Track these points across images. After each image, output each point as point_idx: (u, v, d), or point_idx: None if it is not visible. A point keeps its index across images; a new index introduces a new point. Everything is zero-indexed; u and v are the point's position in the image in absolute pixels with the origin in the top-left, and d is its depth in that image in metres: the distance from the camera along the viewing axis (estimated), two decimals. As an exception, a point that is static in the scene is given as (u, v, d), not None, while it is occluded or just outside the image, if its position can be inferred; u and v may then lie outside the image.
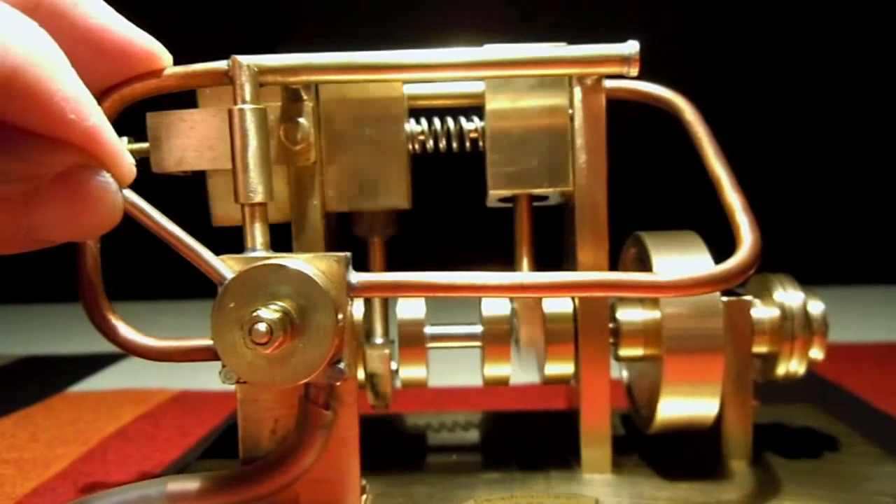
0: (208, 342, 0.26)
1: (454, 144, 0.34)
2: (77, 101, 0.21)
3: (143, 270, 1.00)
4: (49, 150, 0.21)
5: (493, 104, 0.32)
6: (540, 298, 0.34)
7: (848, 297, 0.90)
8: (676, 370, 0.32)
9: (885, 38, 1.04)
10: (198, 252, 0.25)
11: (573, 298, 0.34)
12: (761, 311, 0.34)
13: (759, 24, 1.05)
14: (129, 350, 0.28)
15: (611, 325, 0.34)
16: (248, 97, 0.27)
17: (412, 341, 0.34)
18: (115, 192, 0.22)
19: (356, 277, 0.27)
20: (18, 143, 0.20)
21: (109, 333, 0.28)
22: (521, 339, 0.35)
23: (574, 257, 0.32)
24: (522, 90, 0.32)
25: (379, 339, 0.34)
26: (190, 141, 0.30)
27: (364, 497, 0.29)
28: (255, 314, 0.24)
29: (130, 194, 0.24)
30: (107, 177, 0.21)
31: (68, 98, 0.20)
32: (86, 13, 0.23)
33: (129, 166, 0.22)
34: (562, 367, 0.34)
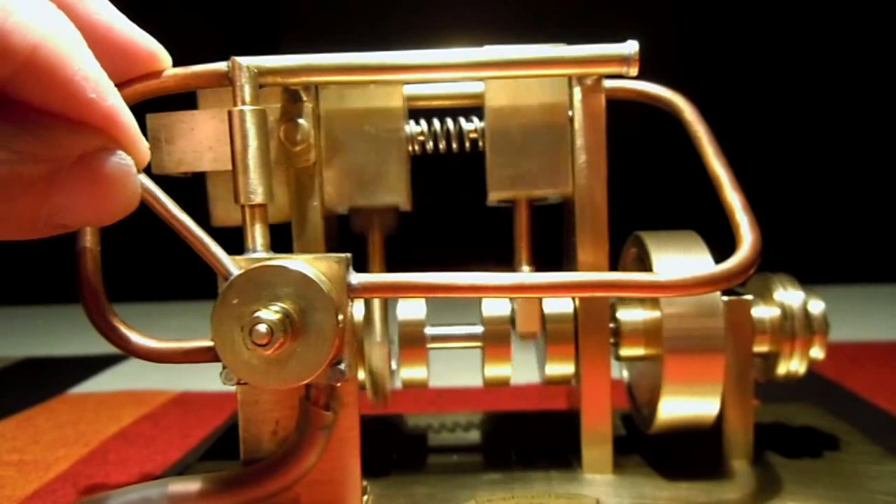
0: (209, 343, 0.26)
1: (454, 145, 0.34)
2: (97, 81, 0.21)
3: (142, 271, 1.00)
4: (69, 131, 0.21)
5: (492, 104, 0.32)
6: (540, 298, 0.34)
7: (848, 296, 0.90)
8: (677, 370, 0.32)
9: (885, 37, 1.04)
10: (206, 244, 0.25)
11: (573, 299, 0.34)
12: (762, 311, 0.34)
13: (758, 24, 1.05)
14: (131, 352, 0.28)
15: (611, 325, 0.34)
16: (247, 98, 0.27)
17: (413, 342, 0.34)
18: (135, 176, 0.22)
19: (356, 278, 0.27)
20: (40, 124, 0.20)
21: (111, 336, 0.28)
22: (517, 328, 0.34)
23: (574, 257, 0.32)
24: (522, 90, 0.32)
25: (379, 338, 0.34)
26: (190, 142, 0.30)
27: (365, 498, 0.29)
28: (255, 315, 0.24)
29: (145, 180, 0.24)
30: (126, 159, 0.22)
31: (88, 77, 0.20)
32: (90, 9, 0.23)
33: (146, 149, 0.23)
34: (562, 368, 0.34)
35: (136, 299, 0.73)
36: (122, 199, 0.22)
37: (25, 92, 0.20)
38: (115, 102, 0.21)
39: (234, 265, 0.25)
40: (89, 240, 0.28)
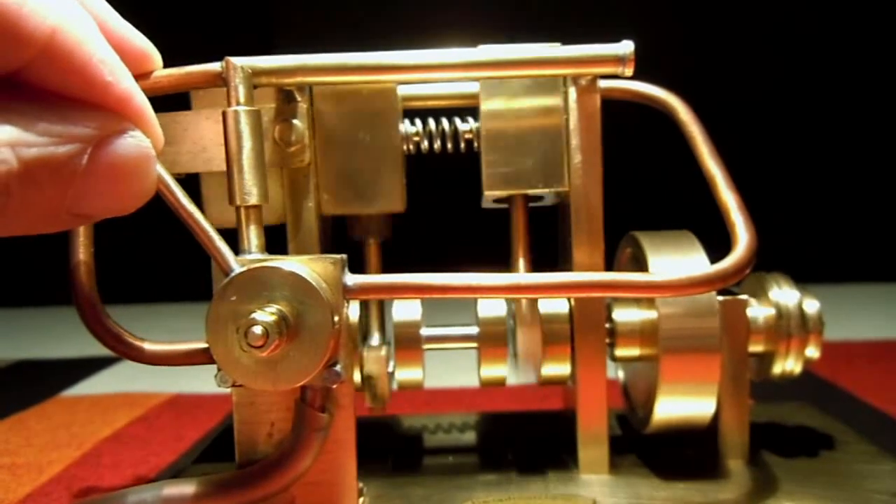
0: (204, 345, 0.26)
1: (449, 145, 0.34)
2: (112, 64, 0.21)
3: (135, 273, 1.00)
4: (87, 115, 0.20)
5: (487, 105, 0.32)
6: (536, 301, 0.34)
7: (843, 295, 0.91)
8: (673, 370, 0.32)
9: (881, 35, 1.05)
10: (212, 238, 0.25)
11: (569, 299, 0.33)
12: (757, 311, 0.34)
13: (753, 23, 1.06)
14: (127, 355, 0.28)
15: (607, 326, 0.34)
16: (242, 99, 0.27)
17: (408, 343, 0.34)
18: (154, 158, 0.22)
19: (352, 279, 0.27)
20: (60, 106, 0.20)
21: (107, 339, 0.28)
22: (518, 350, 0.34)
23: (570, 257, 0.32)
24: (517, 90, 0.32)
25: (375, 341, 0.34)
26: (184, 143, 0.30)
27: (361, 499, 0.29)
28: (250, 317, 0.24)
29: (159, 167, 0.24)
30: (145, 141, 0.21)
31: (104, 60, 0.20)
32: (84, 5, 0.23)
33: (161, 133, 0.23)
34: (558, 368, 0.34)
35: (127, 301, 0.73)
36: (143, 182, 0.21)
37: (43, 77, 0.20)
38: (130, 85, 0.21)
39: (236, 262, 0.25)
40: (83, 253, 0.28)
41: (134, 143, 0.21)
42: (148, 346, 0.28)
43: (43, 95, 0.20)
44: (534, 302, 0.34)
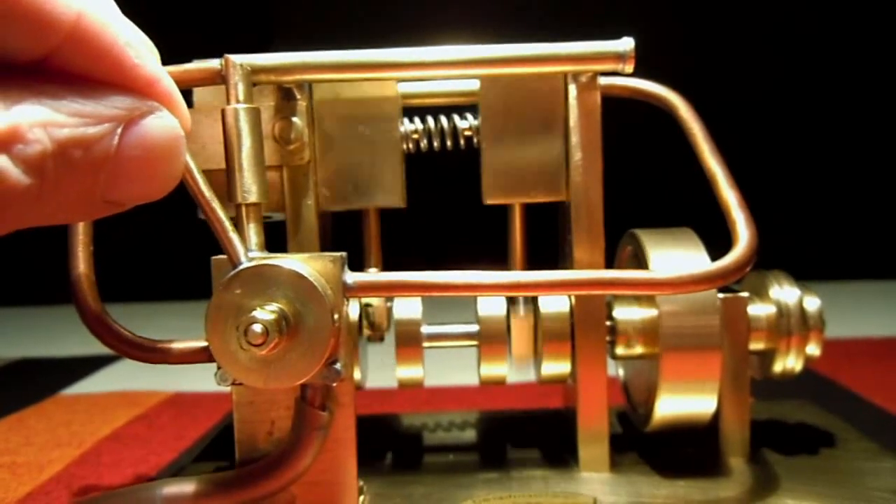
0: (205, 343, 0.26)
1: (448, 142, 0.34)
2: (138, 46, 0.21)
3: (134, 272, 0.99)
4: (117, 96, 0.20)
5: (487, 103, 0.32)
6: (536, 295, 0.34)
7: (843, 293, 0.91)
8: (674, 368, 0.32)
9: (880, 33, 1.05)
10: (226, 228, 0.25)
11: (570, 297, 0.33)
12: (758, 308, 0.34)
13: (753, 20, 1.06)
14: (127, 354, 0.28)
15: (607, 324, 0.33)
16: (241, 96, 0.26)
17: (408, 341, 0.34)
18: (183, 139, 0.22)
19: (352, 277, 0.27)
20: (88, 86, 0.20)
21: (107, 338, 0.28)
22: (513, 353, 0.34)
23: (570, 255, 0.32)
24: (517, 88, 0.32)
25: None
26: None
27: (361, 498, 0.29)
28: (251, 314, 0.24)
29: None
30: (174, 121, 0.21)
31: (130, 43, 0.20)
32: None
33: (188, 114, 0.22)
34: (558, 366, 0.34)
35: (127, 299, 0.73)
36: (173, 163, 0.21)
37: (70, 62, 0.20)
38: (157, 68, 0.21)
39: (246, 257, 0.25)
40: (83, 265, 0.28)
41: (163, 123, 0.21)
42: (148, 345, 0.28)
43: (71, 79, 0.20)
44: (529, 304, 0.34)
